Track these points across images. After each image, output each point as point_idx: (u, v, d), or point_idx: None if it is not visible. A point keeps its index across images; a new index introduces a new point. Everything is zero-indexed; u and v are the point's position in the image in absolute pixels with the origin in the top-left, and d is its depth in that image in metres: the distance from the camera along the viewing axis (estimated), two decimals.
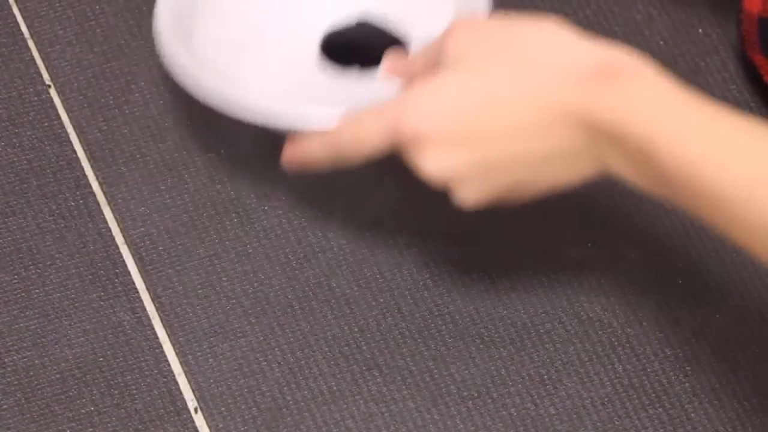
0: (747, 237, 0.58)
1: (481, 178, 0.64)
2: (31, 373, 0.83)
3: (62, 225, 0.87)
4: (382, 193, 0.87)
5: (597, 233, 0.89)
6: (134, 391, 0.83)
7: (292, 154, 0.71)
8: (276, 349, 0.84)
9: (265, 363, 0.84)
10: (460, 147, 0.63)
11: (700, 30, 0.96)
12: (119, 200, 0.88)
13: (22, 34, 0.92)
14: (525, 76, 0.62)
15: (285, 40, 0.80)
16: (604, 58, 0.62)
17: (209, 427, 0.82)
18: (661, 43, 0.95)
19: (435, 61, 0.66)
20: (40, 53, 0.92)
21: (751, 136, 0.58)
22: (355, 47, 0.79)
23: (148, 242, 0.87)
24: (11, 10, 0.94)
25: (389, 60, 0.73)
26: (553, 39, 0.63)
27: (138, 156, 0.89)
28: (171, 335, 0.84)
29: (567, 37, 0.63)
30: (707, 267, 0.88)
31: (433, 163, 0.64)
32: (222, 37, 0.78)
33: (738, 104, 0.94)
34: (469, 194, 0.65)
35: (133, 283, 0.86)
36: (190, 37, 0.76)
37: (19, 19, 0.93)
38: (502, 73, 0.63)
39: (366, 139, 0.66)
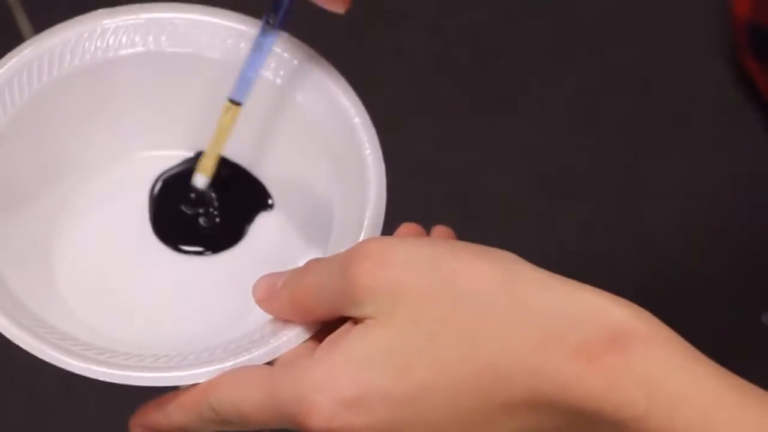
0: None
1: None
2: (35, 372, 0.84)
3: None
4: None
5: (597, 235, 0.90)
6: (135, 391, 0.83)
7: (148, 423, 0.51)
8: None
9: None
10: None
11: (698, 32, 0.96)
12: None
13: (24, 40, 0.93)
14: (479, 341, 0.44)
15: (101, 217, 0.57)
16: (600, 316, 0.44)
17: None
18: (660, 45, 0.96)
19: (338, 302, 0.47)
20: None
21: None
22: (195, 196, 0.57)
23: None
24: (12, 12, 0.94)
25: (262, 291, 0.50)
26: (515, 283, 0.45)
27: None
28: None
29: (536, 282, 0.45)
30: (705, 266, 0.88)
31: None
32: (13, 229, 0.54)
33: (732, 107, 0.94)
34: None
35: None
36: None
37: (21, 22, 0.94)
38: (446, 338, 0.44)
39: (253, 419, 0.47)
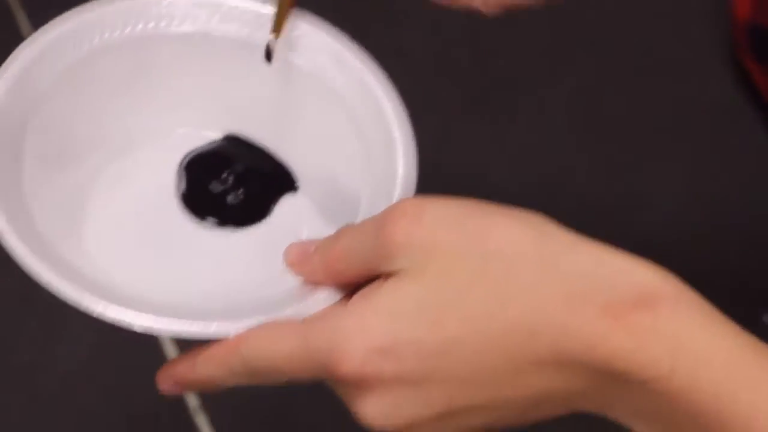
0: None
1: (439, 427, 0.47)
2: (35, 372, 0.84)
3: None
4: None
5: (597, 236, 0.90)
6: (136, 391, 0.84)
7: (175, 378, 0.51)
8: None
9: None
10: (416, 393, 0.46)
11: (698, 33, 0.97)
12: None
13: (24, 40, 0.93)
14: (510, 297, 0.45)
15: (131, 184, 0.59)
16: (628, 278, 0.45)
17: (212, 425, 0.83)
18: (660, 45, 0.96)
19: (366, 257, 0.48)
20: None
21: None
22: (223, 169, 0.59)
23: None
24: (14, 14, 0.95)
25: (294, 255, 0.51)
26: (546, 243, 0.46)
27: None
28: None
29: (566, 243, 0.46)
30: (705, 266, 0.88)
31: (379, 411, 0.46)
32: (52, 187, 0.56)
33: (732, 107, 0.94)
34: None
35: None
36: (19, 195, 0.54)
37: (21, 21, 0.94)
38: (478, 293, 0.45)
39: (282, 370, 0.48)
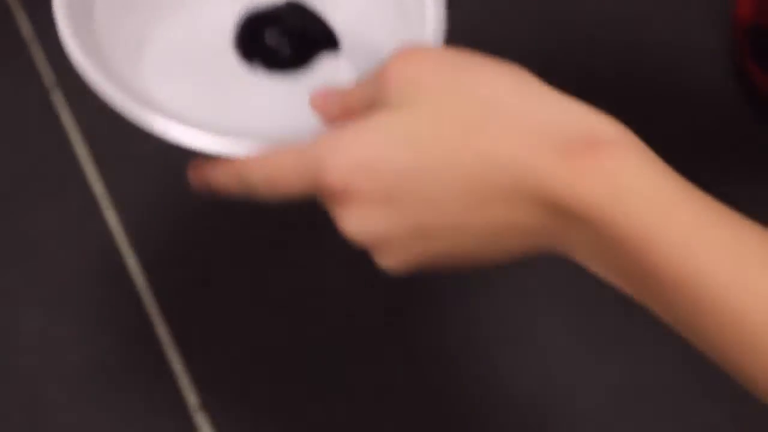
0: (763, 374, 0.47)
1: (410, 245, 0.55)
2: (35, 372, 0.84)
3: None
4: None
5: None
6: (136, 392, 0.84)
7: (199, 177, 0.61)
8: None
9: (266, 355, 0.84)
10: (390, 209, 0.54)
11: (699, 34, 0.96)
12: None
13: (23, 39, 0.93)
14: (482, 132, 0.52)
15: (192, 25, 0.69)
16: (585, 124, 0.51)
17: (212, 425, 0.83)
18: (660, 47, 0.96)
19: (372, 96, 0.56)
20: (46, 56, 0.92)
21: None
22: (277, 30, 0.68)
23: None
24: (14, 14, 0.94)
25: (318, 97, 0.60)
26: (521, 92, 0.52)
27: None
28: (173, 333, 0.85)
29: (539, 93, 0.52)
30: None
31: (358, 223, 0.54)
32: (121, 21, 0.67)
33: (733, 108, 0.94)
34: (394, 261, 0.56)
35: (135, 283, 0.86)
36: (89, 21, 0.64)
37: (21, 22, 0.94)
38: (454, 126, 0.52)
39: (281, 183, 0.56)
